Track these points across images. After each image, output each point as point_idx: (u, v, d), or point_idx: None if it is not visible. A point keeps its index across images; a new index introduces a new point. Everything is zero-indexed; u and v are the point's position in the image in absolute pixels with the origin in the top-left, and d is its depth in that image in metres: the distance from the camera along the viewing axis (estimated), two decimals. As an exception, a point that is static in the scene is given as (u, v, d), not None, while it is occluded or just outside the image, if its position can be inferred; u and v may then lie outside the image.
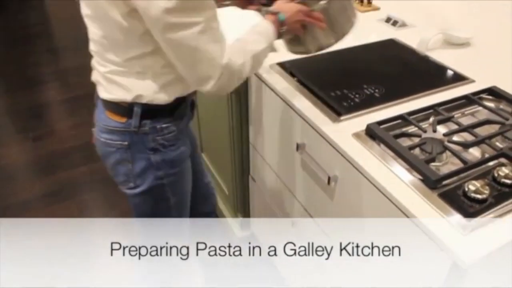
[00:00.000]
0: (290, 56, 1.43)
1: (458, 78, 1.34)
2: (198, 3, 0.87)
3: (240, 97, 1.54)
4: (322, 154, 1.17)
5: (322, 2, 1.12)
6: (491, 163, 0.99)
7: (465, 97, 1.23)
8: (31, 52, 3.92)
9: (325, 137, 1.12)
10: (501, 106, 1.23)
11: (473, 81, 1.33)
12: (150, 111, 1.05)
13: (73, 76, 3.49)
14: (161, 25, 0.87)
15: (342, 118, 1.15)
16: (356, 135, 1.09)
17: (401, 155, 0.99)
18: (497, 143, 1.06)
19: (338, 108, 1.18)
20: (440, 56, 1.40)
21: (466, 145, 1.05)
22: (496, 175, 0.94)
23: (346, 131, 1.10)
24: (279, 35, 1.09)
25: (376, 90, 1.26)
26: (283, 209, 1.52)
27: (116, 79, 1.03)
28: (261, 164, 1.61)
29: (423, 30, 1.56)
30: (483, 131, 1.09)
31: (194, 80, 0.98)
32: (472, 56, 1.50)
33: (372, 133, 1.07)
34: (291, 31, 1.12)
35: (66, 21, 4.66)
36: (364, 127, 1.10)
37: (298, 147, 1.27)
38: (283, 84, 1.33)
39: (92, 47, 1.07)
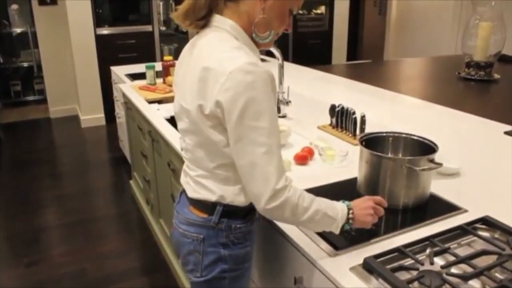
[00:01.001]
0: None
1: (451, 208, 1.37)
2: (269, 127, 1.03)
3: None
4: (321, 288, 1.16)
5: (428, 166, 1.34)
6: (492, 296, 0.98)
7: (459, 227, 1.25)
8: (34, 177, 4.01)
9: (322, 271, 1.12)
10: (496, 236, 1.24)
11: (466, 210, 1.36)
12: (229, 211, 1.19)
13: (72, 201, 3.53)
14: (235, 135, 1.04)
15: (339, 251, 1.16)
16: (354, 269, 1.08)
17: (400, 290, 0.99)
18: (497, 274, 1.06)
19: (335, 241, 1.19)
20: (432, 186, 1.44)
21: (465, 278, 1.04)
22: (499, 309, 0.93)
23: (344, 265, 1.10)
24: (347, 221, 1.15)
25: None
26: None
27: (203, 182, 1.20)
28: (259, 295, 1.57)
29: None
30: (480, 262, 1.09)
31: (250, 194, 1.09)
32: (463, 186, 1.55)
33: (369, 267, 1.07)
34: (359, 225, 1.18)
35: (69, 147, 4.85)
36: (361, 260, 1.10)
37: (296, 281, 1.26)
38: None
39: (185, 154, 1.26)
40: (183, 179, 1.31)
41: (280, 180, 1.04)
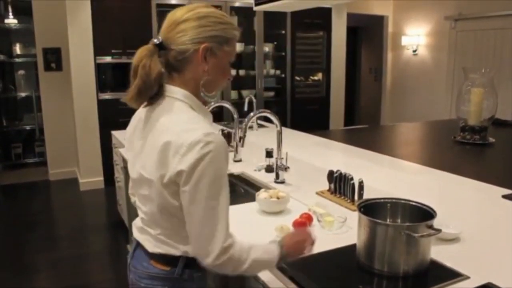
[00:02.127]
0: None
1: (453, 275, 1.35)
2: (222, 191, 1.13)
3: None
4: None
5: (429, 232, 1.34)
6: None
7: (462, 295, 1.23)
8: (30, 239, 3.97)
9: None
10: (500, 304, 1.22)
11: (468, 277, 1.34)
12: (190, 263, 1.24)
13: (68, 266, 3.47)
14: (190, 197, 1.11)
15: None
16: None
17: None
18: None
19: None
20: (432, 252, 1.43)
21: None
22: None
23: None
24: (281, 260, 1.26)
25: (373, 291, 1.26)
26: None
27: (164, 239, 1.24)
28: None
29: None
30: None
31: (198, 250, 1.16)
32: (463, 251, 1.53)
33: (371, 338, 1.05)
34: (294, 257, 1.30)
35: (67, 210, 4.82)
36: (363, 331, 1.07)
37: None
38: None
39: (144, 216, 1.29)
40: (139, 236, 1.33)
41: (227, 238, 1.13)
